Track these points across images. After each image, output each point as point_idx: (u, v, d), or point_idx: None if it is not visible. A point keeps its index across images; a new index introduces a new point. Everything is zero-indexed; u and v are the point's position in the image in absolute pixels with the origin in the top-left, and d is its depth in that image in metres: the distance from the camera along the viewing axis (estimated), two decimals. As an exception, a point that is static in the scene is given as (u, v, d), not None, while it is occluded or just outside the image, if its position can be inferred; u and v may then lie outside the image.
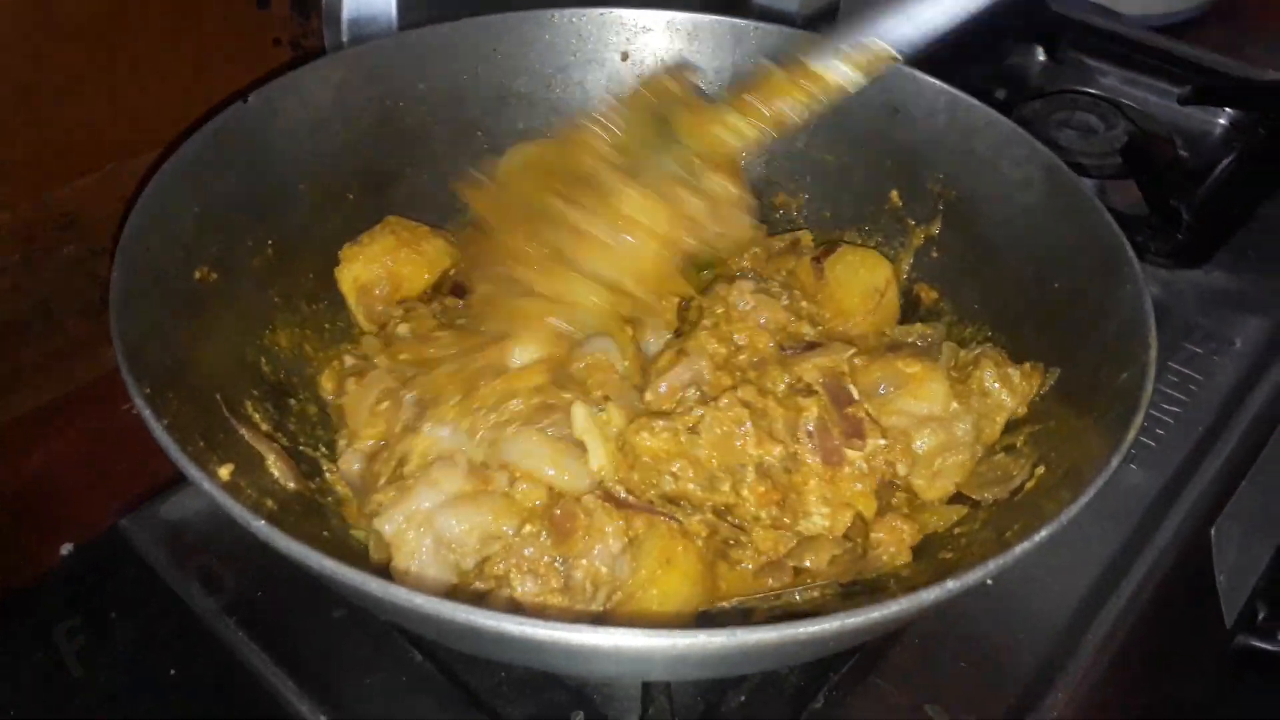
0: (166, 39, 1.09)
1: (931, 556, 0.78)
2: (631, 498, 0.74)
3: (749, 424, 0.76)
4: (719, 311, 0.88)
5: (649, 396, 0.81)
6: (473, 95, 1.08)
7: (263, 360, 0.89)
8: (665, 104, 0.87)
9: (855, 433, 0.78)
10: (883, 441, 0.78)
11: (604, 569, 0.70)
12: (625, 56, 1.10)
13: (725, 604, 0.74)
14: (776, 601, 0.74)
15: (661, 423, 0.76)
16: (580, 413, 0.77)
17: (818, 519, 0.76)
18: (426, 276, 0.96)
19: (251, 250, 0.91)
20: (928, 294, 1.01)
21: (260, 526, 0.58)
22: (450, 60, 1.05)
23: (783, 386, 0.82)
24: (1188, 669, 1.05)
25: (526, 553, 0.73)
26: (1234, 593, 1.04)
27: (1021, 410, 0.84)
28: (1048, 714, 0.80)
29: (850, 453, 0.77)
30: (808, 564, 0.75)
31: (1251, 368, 1.08)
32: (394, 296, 0.95)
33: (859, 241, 1.06)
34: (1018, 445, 0.83)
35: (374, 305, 0.94)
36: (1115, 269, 0.82)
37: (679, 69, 0.97)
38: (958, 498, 0.83)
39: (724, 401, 0.77)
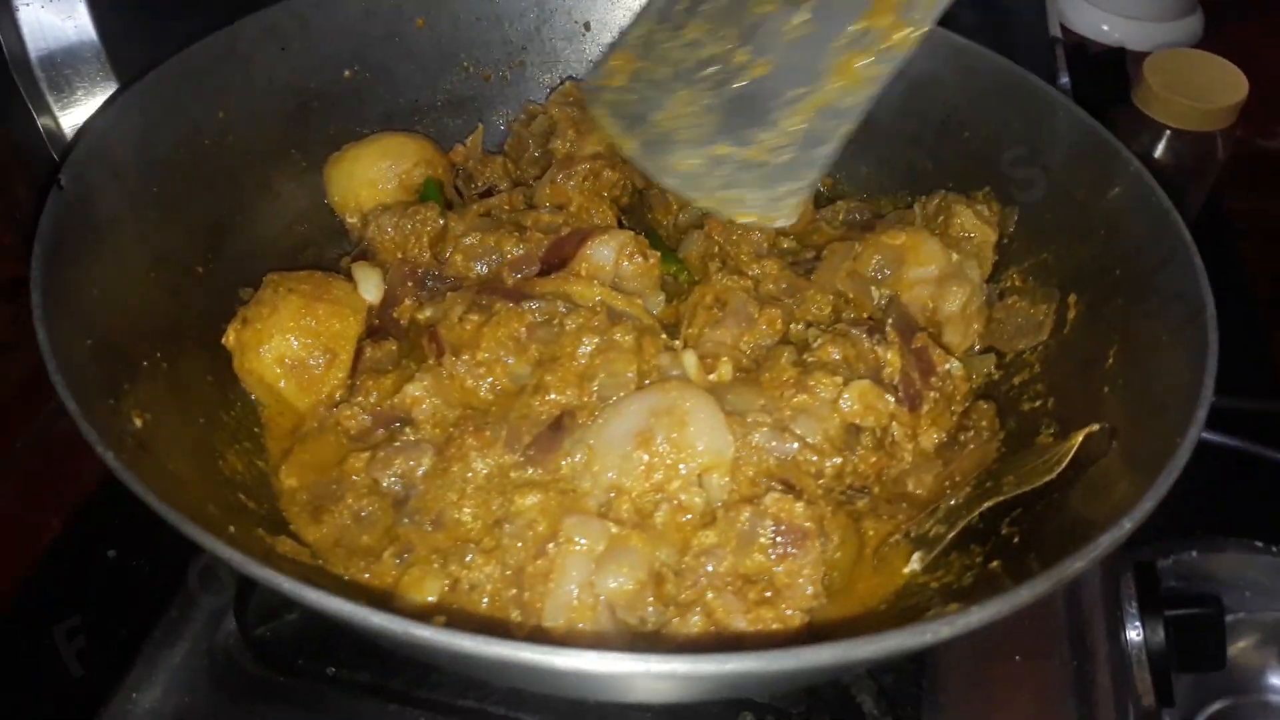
0: None
1: (1015, 411, 0.79)
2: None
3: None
4: (714, 251, 0.81)
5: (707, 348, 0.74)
6: (271, 109, 0.89)
7: (242, 497, 0.69)
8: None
9: (928, 370, 0.75)
10: (949, 365, 0.76)
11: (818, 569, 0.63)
12: (422, 23, 0.96)
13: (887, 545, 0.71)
14: (924, 528, 0.70)
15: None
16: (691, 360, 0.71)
17: (907, 456, 0.74)
18: (354, 321, 0.79)
19: (150, 372, 0.69)
20: (824, 182, 1.01)
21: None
22: (241, 73, 0.85)
23: (828, 310, 0.78)
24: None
25: (709, 569, 0.64)
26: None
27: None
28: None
29: (927, 392, 0.75)
30: (912, 490, 0.73)
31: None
32: (334, 362, 0.77)
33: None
34: (1016, 284, 0.86)
35: (317, 381, 0.76)
36: (1034, 100, 0.87)
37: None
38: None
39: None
